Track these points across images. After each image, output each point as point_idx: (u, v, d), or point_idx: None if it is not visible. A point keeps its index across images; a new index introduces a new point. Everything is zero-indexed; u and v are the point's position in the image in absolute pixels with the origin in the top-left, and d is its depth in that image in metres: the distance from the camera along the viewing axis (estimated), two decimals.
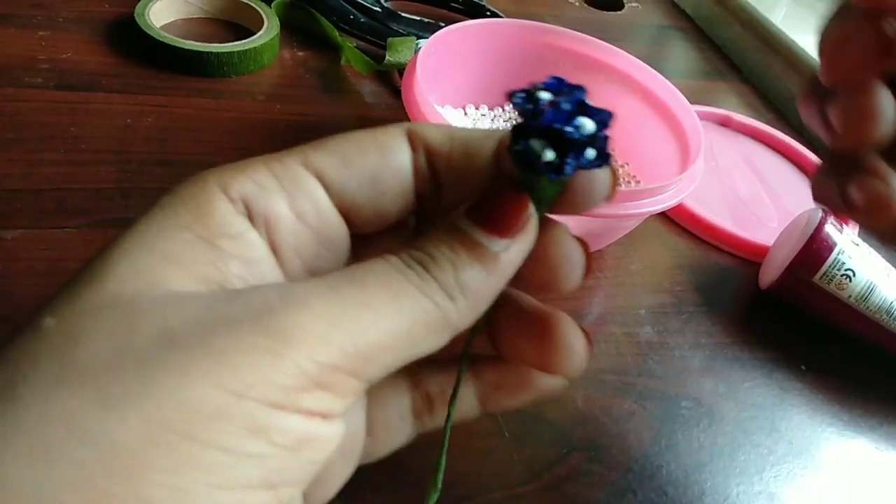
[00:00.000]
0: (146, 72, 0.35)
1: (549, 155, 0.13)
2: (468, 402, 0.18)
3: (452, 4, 0.47)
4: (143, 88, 0.34)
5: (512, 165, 0.14)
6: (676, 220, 0.36)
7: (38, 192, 0.28)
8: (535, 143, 0.13)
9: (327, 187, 0.14)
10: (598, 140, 0.13)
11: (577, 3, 0.55)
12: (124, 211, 0.28)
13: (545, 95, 0.13)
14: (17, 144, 0.29)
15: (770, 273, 0.32)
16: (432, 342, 0.13)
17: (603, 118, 0.13)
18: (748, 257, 0.34)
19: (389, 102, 0.38)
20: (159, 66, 0.35)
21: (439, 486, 0.16)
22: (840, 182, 0.17)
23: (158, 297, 0.11)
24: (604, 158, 0.13)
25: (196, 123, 0.33)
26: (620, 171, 0.35)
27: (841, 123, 0.15)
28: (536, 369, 0.16)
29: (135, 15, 0.36)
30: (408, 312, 0.12)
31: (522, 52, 0.36)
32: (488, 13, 0.46)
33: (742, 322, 0.31)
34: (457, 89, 0.36)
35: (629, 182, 0.35)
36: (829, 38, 0.15)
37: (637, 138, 0.35)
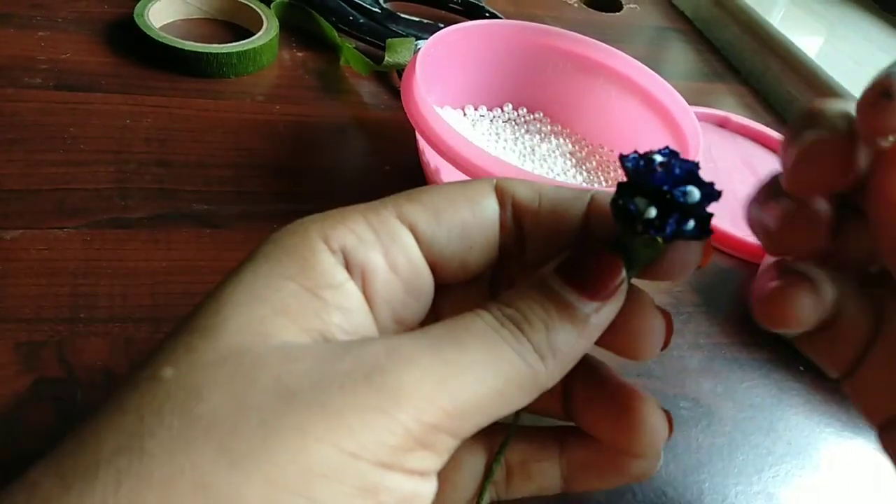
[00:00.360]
0: (145, 72, 0.35)
1: (652, 212, 0.13)
2: (552, 478, 0.17)
3: (451, 5, 0.47)
4: (142, 89, 0.34)
5: (604, 228, 0.14)
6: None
7: (37, 192, 0.28)
8: (640, 201, 0.13)
9: (419, 240, 0.15)
10: (702, 211, 0.13)
11: (575, 5, 0.55)
12: (123, 211, 0.28)
13: (657, 157, 0.13)
14: (17, 145, 0.29)
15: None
16: (521, 401, 0.13)
17: (711, 192, 0.13)
18: (746, 258, 0.35)
19: (388, 103, 0.38)
20: (158, 66, 0.35)
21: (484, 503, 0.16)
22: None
23: (272, 351, 0.12)
24: (704, 231, 0.13)
25: (195, 124, 0.33)
26: (615, 174, 0.35)
27: (781, 229, 0.15)
28: (610, 445, 0.16)
29: (134, 15, 0.36)
30: (503, 373, 0.12)
31: (521, 54, 0.36)
32: (487, 14, 0.46)
33: (740, 322, 0.31)
34: (456, 90, 0.36)
35: None
36: (802, 148, 0.14)
37: (635, 139, 0.35)
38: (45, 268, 0.25)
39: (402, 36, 0.41)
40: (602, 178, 0.35)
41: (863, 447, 0.27)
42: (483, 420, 0.13)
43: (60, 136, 0.30)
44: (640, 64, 0.35)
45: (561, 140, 0.36)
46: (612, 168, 0.35)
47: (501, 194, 0.15)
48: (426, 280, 0.15)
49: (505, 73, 0.36)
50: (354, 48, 0.40)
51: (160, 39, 0.35)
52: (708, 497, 0.24)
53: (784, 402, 0.28)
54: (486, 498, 0.16)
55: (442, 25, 0.38)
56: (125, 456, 0.10)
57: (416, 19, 0.43)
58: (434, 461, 0.12)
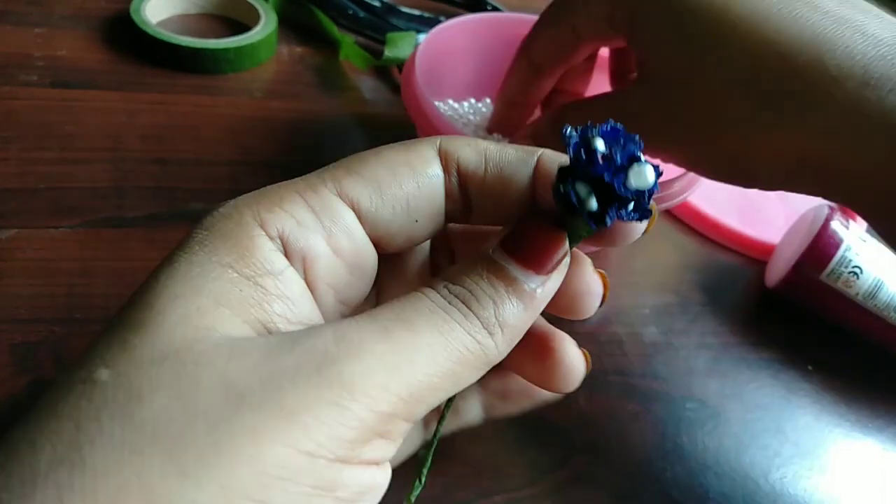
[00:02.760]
0: (142, 69, 0.35)
1: (593, 204, 0.13)
2: (473, 411, 0.18)
3: None
4: (138, 86, 0.34)
5: (552, 201, 0.14)
6: (682, 219, 0.35)
7: (33, 190, 0.27)
8: (582, 189, 0.13)
9: (362, 218, 0.14)
10: (643, 197, 0.13)
11: None
12: (119, 210, 0.27)
13: (600, 145, 0.13)
14: (12, 143, 0.29)
15: (777, 271, 0.31)
16: (471, 378, 0.13)
17: (652, 177, 0.13)
18: (754, 256, 0.34)
19: (388, 98, 0.38)
20: (155, 62, 0.35)
21: (423, 481, 0.16)
22: None
23: (215, 347, 0.11)
24: (645, 213, 0.13)
25: (192, 121, 0.33)
26: None
27: None
28: (536, 385, 0.16)
29: (130, 11, 0.35)
30: (454, 353, 0.12)
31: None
32: (489, 7, 0.46)
33: (748, 322, 0.31)
34: (457, 84, 0.35)
35: None
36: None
37: None
38: (41, 268, 0.25)
39: (402, 30, 0.40)
40: None
41: (872, 449, 0.27)
42: (436, 401, 0.12)
43: (56, 134, 0.30)
44: None
45: None
46: None
47: (446, 158, 0.15)
48: (370, 258, 0.14)
49: (507, 67, 0.35)
50: (354, 43, 0.39)
51: (157, 35, 0.34)
52: (714, 499, 0.23)
53: (793, 402, 0.27)
54: (429, 461, 0.16)
55: (443, 19, 0.37)
56: (65, 469, 0.10)
57: (417, 13, 0.42)
58: (389, 448, 0.12)
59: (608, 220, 0.13)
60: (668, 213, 0.35)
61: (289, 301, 0.13)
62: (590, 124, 0.13)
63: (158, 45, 0.35)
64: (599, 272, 0.16)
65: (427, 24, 0.41)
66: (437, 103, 0.32)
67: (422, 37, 0.38)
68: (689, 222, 0.35)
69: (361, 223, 0.14)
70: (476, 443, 0.23)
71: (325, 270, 0.13)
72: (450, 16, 0.36)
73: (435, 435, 0.16)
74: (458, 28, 0.33)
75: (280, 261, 0.13)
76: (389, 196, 0.14)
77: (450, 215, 0.15)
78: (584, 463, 0.23)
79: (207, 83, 0.35)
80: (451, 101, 0.35)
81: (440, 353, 0.12)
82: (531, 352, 0.16)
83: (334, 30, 0.40)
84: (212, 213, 0.13)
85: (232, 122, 0.33)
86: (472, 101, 0.36)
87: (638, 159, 0.13)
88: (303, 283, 0.13)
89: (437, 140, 0.15)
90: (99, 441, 0.10)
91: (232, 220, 0.13)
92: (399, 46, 0.38)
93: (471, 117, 0.35)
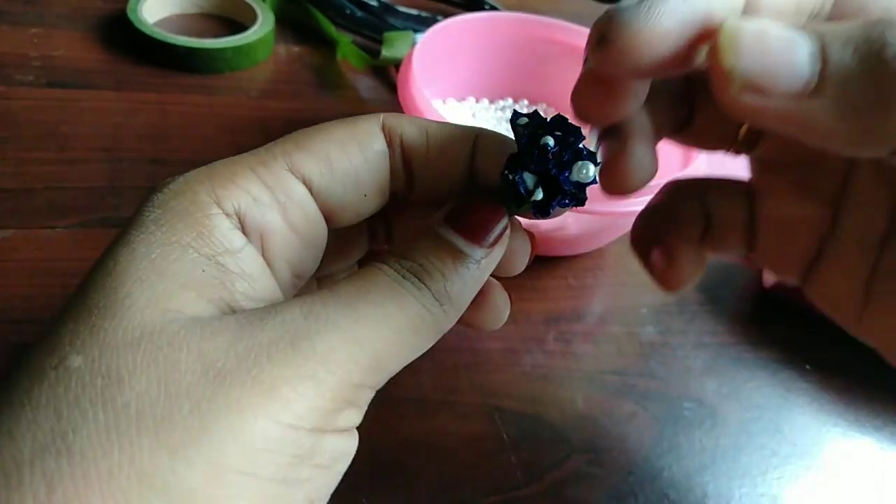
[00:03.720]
0: (139, 69, 0.35)
1: (539, 195, 0.14)
2: None
3: None
4: (135, 85, 0.34)
5: (490, 166, 0.15)
6: None
7: (29, 191, 0.27)
8: (529, 179, 0.14)
9: (313, 193, 0.14)
10: (582, 189, 0.14)
11: None
12: (115, 210, 0.27)
13: (550, 142, 0.14)
14: (8, 143, 0.29)
15: None
16: (425, 346, 0.14)
17: (592, 170, 0.14)
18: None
19: (385, 98, 0.38)
20: (152, 62, 0.35)
21: None
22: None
23: (186, 328, 0.11)
24: (580, 202, 0.14)
25: (189, 120, 0.33)
26: None
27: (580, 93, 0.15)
28: (467, 325, 0.17)
29: (127, 11, 0.35)
30: (411, 323, 0.13)
31: (521, 46, 0.35)
32: (486, 6, 0.46)
33: (745, 321, 0.31)
34: (454, 84, 0.35)
35: None
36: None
37: None
38: (37, 268, 0.24)
39: (399, 30, 0.40)
40: None
41: (869, 448, 0.27)
42: (396, 368, 0.13)
43: (52, 134, 0.30)
44: None
45: None
46: None
47: (389, 135, 0.15)
48: (322, 232, 0.15)
49: (505, 66, 0.35)
50: (351, 42, 0.39)
51: (153, 35, 0.34)
52: (712, 499, 0.23)
53: (790, 402, 0.27)
54: None
55: (440, 18, 0.37)
56: (50, 457, 0.10)
57: (414, 12, 0.42)
58: (358, 415, 0.13)
59: (551, 209, 0.14)
60: None
61: (250, 278, 0.13)
62: (538, 115, 0.14)
63: (155, 45, 0.35)
64: (527, 231, 0.16)
65: (424, 23, 0.41)
66: (434, 103, 0.32)
67: (419, 36, 0.37)
68: None
69: (314, 199, 0.14)
70: (473, 442, 0.23)
71: (281, 246, 0.14)
72: (447, 15, 0.36)
73: None
74: (456, 28, 0.33)
75: (239, 238, 0.13)
76: (339, 172, 0.14)
77: (393, 189, 0.16)
78: (582, 462, 0.23)
79: (204, 83, 0.35)
80: (449, 101, 0.35)
81: (399, 325, 0.13)
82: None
83: (332, 29, 0.39)
84: (162, 189, 0.13)
85: (229, 121, 0.33)
86: (472, 100, 0.36)
87: (581, 154, 0.14)
88: (261, 259, 0.14)
89: (380, 116, 0.15)
90: (83, 427, 0.10)
91: (186, 197, 0.13)
92: (396, 46, 0.38)
93: (470, 117, 0.35)
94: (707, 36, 0.12)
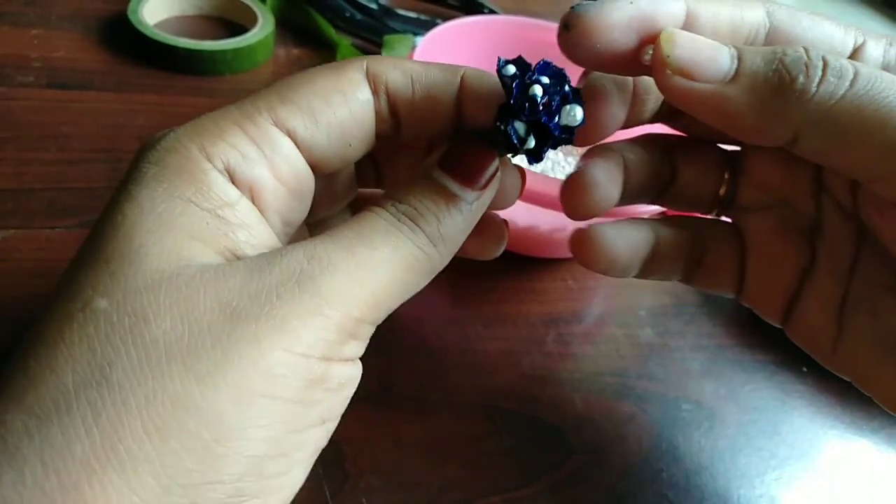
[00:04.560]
0: (139, 70, 0.35)
1: (532, 143, 0.14)
2: None
3: (449, 1, 0.46)
4: (135, 87, 0.34)
5: (477, 106, 0.15)
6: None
7: (30, 191, 0.27)
8: (520, 128, 0.14)
9: (299, 146, 0.15)
10: (572, 132, 0.15)
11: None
12: None
13: (538, 92, 0.14)
14: (9, 144, 0.29)
15: None
16: (420, 285, 0.15)
17: (580, 113, 0.15)
18: None
19: None
20: (152, 64, 0.35)
21: None
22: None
23: (201, 272, 0.12)
24: (570, 141, 0.15)
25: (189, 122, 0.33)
26: None
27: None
28: (469, 255, 0.18)
29: (128, 13, 0.35)
30: (406, 264, 0.14)
31: (520, 50, 0.35)
32: (486, 10, 0.46)
33: (744, 324, 0.31)
34: None
35: None
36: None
37: (634, 135, 0.34)
38: (37, 268, 0.24)
39: (399, 33, 0.40)
40: None
41: (866, 450, 0.27)
42: (393, 306, 0.14)
43: (53, 135, 0.30)
44: None
45: None
46: None
47: (374, 81, 0.15)
48: (309, 182, 0.15)
49: None
50: (351, 45, 0.39)
51: (154, 37, 0.34)
52: (710, 500, 0.23)
53: (788, 404, 0.28)
54: None
55: (440, 22, 0.37)
56: (92, 388, 0.11)
57: (414, 16, 0.43)
58: (361, 347, 0.14)
59: (543, 154, 0.15)
60: (664, 215, 0.35)
61: (250, 228, 0.14)
62: (523, 61, 0.15)
63: (156, 47, 0.35)
64: (517, 166, 0.17)
65: (424, 26, 0.42)
66: None
67: (419, 39, 0.38)
68: None
69: (299, 150, 0.15)
70: (472, 443, 0.23)
71: (271, 198, 0.14)
72: (447, 19, 0.36)
73: None
74: (455, 31, 0.33)
75: (233, 192, 0.14)
76: (324, 124, 0.15)
77: (380, 134, 0.16)
78: (580, 464, 0.23)
79: (204, 85, 0.35)
80: None
81: (395, 265, 0.14)
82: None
83: (331, 32, 0.40)
84: (154, 146, 0.14)
85: None
86: None
87: (567, 98, 0.14)
88: (255, 210, 0.14)
89: (364, 62, 0.16)
90: (117, 361, 0.11)
91: (180, 154, 0.13)
92: (396, 49, 0.38)
93: None
94: (649, 39, 0.15)
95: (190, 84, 0.35)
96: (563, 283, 0.30)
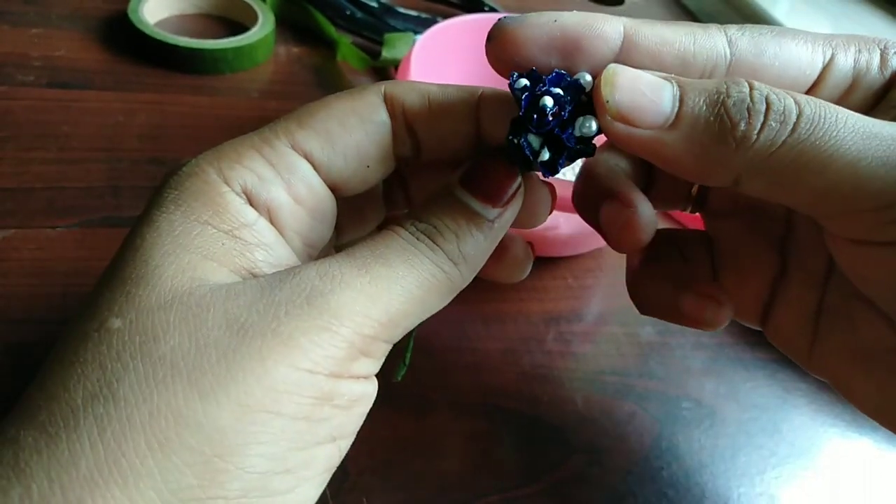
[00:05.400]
0: (139, 69, 0.35)
1: (546, 155, 0.14)
2: None
3: (450, 0, 0.46)
4: (135, 86, 0.34)
5: (495, 126, 0.15)
6: (678, 218, 0.35)
7: (30, 190, 0.27)
8: (534, 141, 0.14)
9: (316, 168, 0.15)
10: (588, 143, 0.14)
11: None
12: (115, 210, 0.27)
13: (549, 103, 0.14)
14: (9, 143, 0.29)
15: None
16: (440, 304, 0.15)
17: (595, 123, 0.14)
18: None
19: None
20: (152, 63, 0.35)
21: (407, 362, 0.18)
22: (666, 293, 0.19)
23: (213, 291, 0.13)
24: (589, 154, 0.14)
25: (190, 121, 0.33)
26: None
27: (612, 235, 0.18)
28: (492, 279, 0.18)
29: (128, 12, 0.35)
30: (425, 282, 0.14)
31: None
32: (486, 8, 0.46)
33: None
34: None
35: None
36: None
37: None
38: (37, 268, 0.24)
39: (399, 31, 0.40)
40: None
41: (867, 448, 0.27)
42: (410, 324, 0.14)
43: (53, 134, 0.30)
44: None
45: None
46: None
47: (391, 104, 0.16)
48: (329, 203, 0.16)
49: None
50: (351, 43, 0.39)
51: (154, 36, 0.34)
52: (710, 499, 0.23)
53: (788, 402, 0.27)
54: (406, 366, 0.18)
55: (440, 20, 0.37)
56: (99, 403, 0.11)
57: (414, 14, 0.42)
58: (374, 365, 0.14)
59: (559, 167, 0.14)
60: (665, 214, 0.35)
61: (267, 247, 0.14)
62: (536, 73, 0.14)
63: (156, 46, 0.35)
64: (546, 182, 0.17)
65: (424, 24, 0.41)
66: None
67: (419, 38, 0.38)
68: (685, 222, 0.35)
69: (317, 172, 0.15)
70: (472, 442, 0.23)
71: (289, 218, 0.15)
72: (447, 16, 0.36)
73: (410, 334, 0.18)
74: (455, 29, 0.33)
75: (250, 213, 0.14)
76: (340, 146, 0.15)
77: (400, 156, 0.16)
78: (581, 462, 0.23)
79: (205, 83, 0.35)
80: None
81: (412, 284, 0.14)
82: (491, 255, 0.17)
83: (332, 30, 0.40)
84: (177, 172, 0.14)
85: (229, 122, 0.33)
86: None
87: (583, 110, 0.14)
88: (274, 230, 0.14)
89: (382, 86, 0.16)
90: (125, 377, 0.11)
91: (199, 178, 0.14)
92: (396, 47, 0.38)
93: None
94: (574, 58, 0.15)
95: (190, 83, 0.35)
96: (563, 281, 0.30)
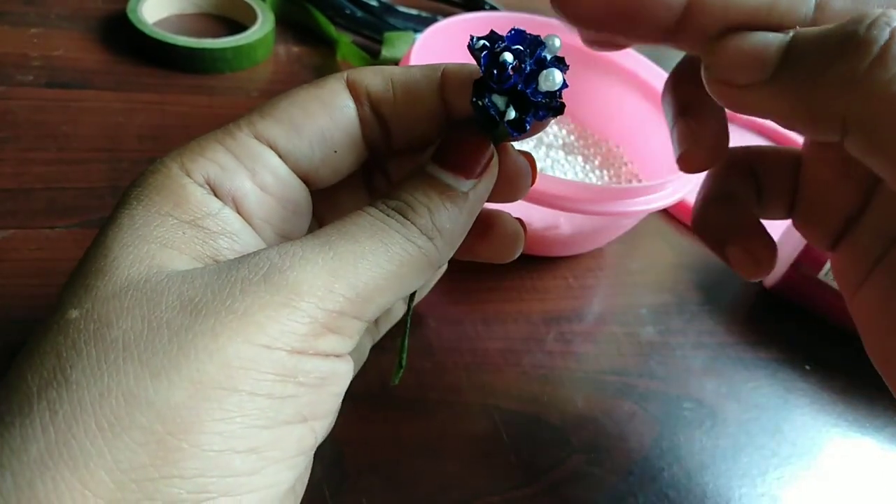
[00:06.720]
0: (139, 69, 0.35)
1: (512, 113, 0.14)
2: None
3: None
4: (135, 86, 0.34)
5: (462, 100, 0.15)
6: (678, 218, 0.35)
7: (29, 191, 0.27)
8: (499, 101, 0.14)
9: (282, 156, 0.15)
10: (554, 97, 0.14)
11: None
12: None
13: (509, 58, 0.14)
14: (9, 143, 0.29)
15: (774, 271, 0.31)
16: (419, 280, 0.14)
17: (559, 76, 0.14)
18: None
19: None
20: (152, 62, 0.35)
21: (403, 364, 0.18)
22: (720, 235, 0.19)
23: (170, 276, 0.12)
24: (557, 111, 0.14)
25: (189, 121, 0.33)
26: (624, 168, 0.35)
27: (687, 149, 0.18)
28: (485, 260, 0.17)
29: (127, 11, 0.35)
30: (396, 257, 0.13)
31: None
32: (486, 6, 0.46)
33: (745, 321, 0.31)
34: None
35: (630, 181, 0.34)
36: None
37: (640, 136, 0.34)
38: (37, 268, 0.24)
39: (399, 30, 0.40)
40: (608, 172, 0.34)
41: (870, 448, 0.27)
42: (386, 301, 0.14)
43: (52, 135, 0.30)
44: (644, 59, 0.34)
45: (564, 132, 0.35)
46: (618, 162, 0.35)
47: (355, 89, 0.16)
48: (299, 191, 0.15)
49: None
50: (351, 42, 0.39)
51: (153, 35, 0.34)
52: (711, 500, 0.23)
53: (790, 402, 0.27)
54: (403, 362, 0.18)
55: (440, 18, 0.37)
56: (52, 388, 0.11)
57: (414, 12, 0.42)
58: (345, 343, 0.13)
59: (527, 125, 0.14)
60: (665, 213, 0.35)
61: (232, 235, 0.14)
62: (494, 34, 0.14)
63: (155, 45, 0.35)
64: (524, 153, 0.16)
65: (424, 23, 0.41)
66: None
67: (419, 36, 0.37)
68: (685, 222, 0.35)
69: (284, 161, 0.15)
70: (473, 442, 0.23)
71: (256, 206, 0.14)
72: (447, 15, 0.36)
73: (407, 321, 0.18)
74: (455, 27, 0.33)
75: (214, 202, 0.14)
76: (305, 132, 0.15)
77: (371, 143, 0.16)
78: (581, 463, 0.23)
79: (204, 83, 0.35)
80: None
81: (382, 258, 0.13)
82: (475, 232, 0.16)
83: (331, 29, 0.39)
84: (143, 172, 0.14)
85: (229, 121, 0.33)
86: None
87: (545, 63, 0.14)
88: (241, 219, 0.14)
89: (345, 73, 0.16)
90: (78, 362, 0.11)
91: (161, 173, 0.14)
92: (396, 46, 0.38)
93: None
94: (627, 15, 0.14)
95: (190, 82, 0.35)
96: (563, 281, 0.30)
